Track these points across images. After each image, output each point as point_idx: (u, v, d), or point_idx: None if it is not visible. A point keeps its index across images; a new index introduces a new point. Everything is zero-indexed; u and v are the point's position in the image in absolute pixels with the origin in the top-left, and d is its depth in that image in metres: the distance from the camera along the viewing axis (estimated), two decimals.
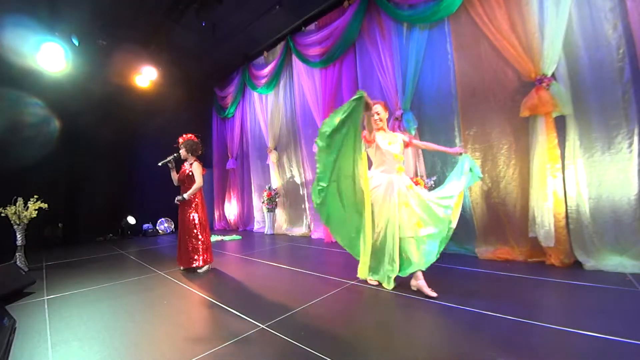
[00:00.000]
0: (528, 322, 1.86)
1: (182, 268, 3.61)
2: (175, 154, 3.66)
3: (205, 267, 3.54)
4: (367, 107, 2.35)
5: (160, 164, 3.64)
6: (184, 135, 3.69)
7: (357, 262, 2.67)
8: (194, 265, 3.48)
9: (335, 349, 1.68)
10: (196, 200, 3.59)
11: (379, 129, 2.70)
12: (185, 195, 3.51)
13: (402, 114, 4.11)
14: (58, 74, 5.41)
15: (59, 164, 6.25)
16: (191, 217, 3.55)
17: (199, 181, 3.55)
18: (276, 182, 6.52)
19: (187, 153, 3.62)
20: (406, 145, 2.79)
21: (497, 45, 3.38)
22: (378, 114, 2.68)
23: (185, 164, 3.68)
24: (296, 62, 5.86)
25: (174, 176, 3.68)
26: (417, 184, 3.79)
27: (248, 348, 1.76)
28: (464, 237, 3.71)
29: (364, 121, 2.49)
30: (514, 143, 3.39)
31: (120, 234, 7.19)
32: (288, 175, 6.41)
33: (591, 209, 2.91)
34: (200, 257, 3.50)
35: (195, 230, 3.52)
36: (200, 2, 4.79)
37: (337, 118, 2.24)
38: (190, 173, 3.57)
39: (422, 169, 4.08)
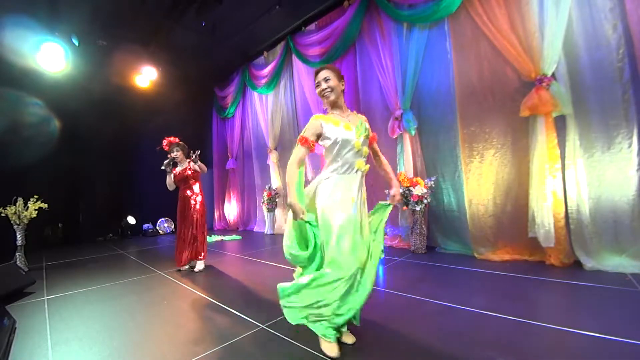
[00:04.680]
0: (528, 322, 1.86)
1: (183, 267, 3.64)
2: (173, 156, 3.63)
3: (203, 263, 3.65)
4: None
5: (163, 167, 3.62)
6: (170, 139, 3.72)
7: None
8: (200, 258, 3.63)
9: None
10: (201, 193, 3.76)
11: (331, 105, 1.84)
12: (197, 166, 3.64)
13: (402, 114, 4.11)
14: (58, 74, 5.41)
15: (59, 164, 6.24)
16: (200, 209, 3.69)
17: (204, 167, 3.74)
18: (276, 182, 6.51)
19: (183, 155, 3.70)
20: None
21: (496, 45, 3.38)
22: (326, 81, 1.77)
23: (179, 165, 3.70)
24: (296, 62, 5.86)
25: (170, 180, 3.64)
26: (416, 184, 3.78)
27: (248, 348, 1.76)
28: (463, 237, 3.71)
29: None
30: (514, 143, 3.39)
31: (120, 234, 7.19)
32: None
33: (591, 208, 2.91)
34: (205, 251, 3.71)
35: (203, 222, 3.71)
36: (200, 2, 4.79)
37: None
38: (192, 171, 3.66)
39: (422, 168, 4.09)
